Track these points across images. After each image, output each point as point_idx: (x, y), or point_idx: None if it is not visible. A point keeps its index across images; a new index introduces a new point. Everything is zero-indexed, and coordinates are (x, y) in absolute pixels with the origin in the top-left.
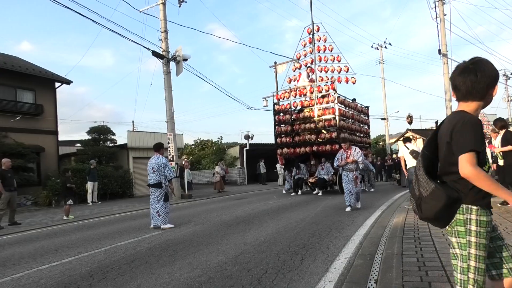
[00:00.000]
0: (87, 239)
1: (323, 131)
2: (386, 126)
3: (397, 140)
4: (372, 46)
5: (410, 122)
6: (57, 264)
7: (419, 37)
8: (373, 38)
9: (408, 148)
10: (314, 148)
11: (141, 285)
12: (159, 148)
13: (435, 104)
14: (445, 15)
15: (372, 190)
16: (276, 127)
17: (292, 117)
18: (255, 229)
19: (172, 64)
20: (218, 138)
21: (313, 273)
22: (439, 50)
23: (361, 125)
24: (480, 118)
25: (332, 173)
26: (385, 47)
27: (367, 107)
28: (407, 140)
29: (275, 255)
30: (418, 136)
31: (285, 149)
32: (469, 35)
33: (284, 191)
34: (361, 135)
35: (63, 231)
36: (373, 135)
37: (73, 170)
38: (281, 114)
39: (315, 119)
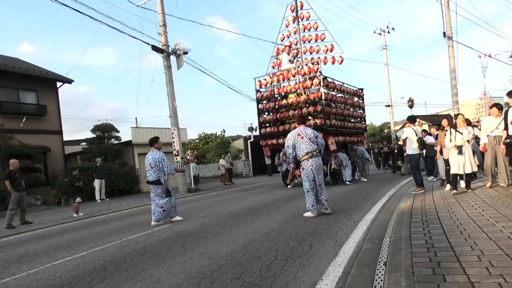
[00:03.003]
0: (98, 234)
1: (309, 117)
2: (391, 113)
3: (403, 127)
4: (375, 32)
5: (411, 106)
6: (70, 259)
7: (423, 20)
8: (376, 24)
9: (416, 132)
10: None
11: (154, 274)
12: (153, 142)
13: (441, 89)
14: None
15: (365, 180)
16: (259, 117)
17: (276, 105)
18: (263, 219)
19: (173, 58)
20: (221, 131)
21: (322, 258)
22: (444, 33)
23: (355, 109)
24: (486, 101)
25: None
26: (388, 32)
27: (361, 89)
28: (412, 120)
29: (284, 242)
30: (423, 122)
31: (269, 141)
32: (475, 16)
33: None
34: (355, 120)
35: (74, 227)
36: (378, 122)
37: (79, 168)
38: (264, 102)
39: (300, 105)
